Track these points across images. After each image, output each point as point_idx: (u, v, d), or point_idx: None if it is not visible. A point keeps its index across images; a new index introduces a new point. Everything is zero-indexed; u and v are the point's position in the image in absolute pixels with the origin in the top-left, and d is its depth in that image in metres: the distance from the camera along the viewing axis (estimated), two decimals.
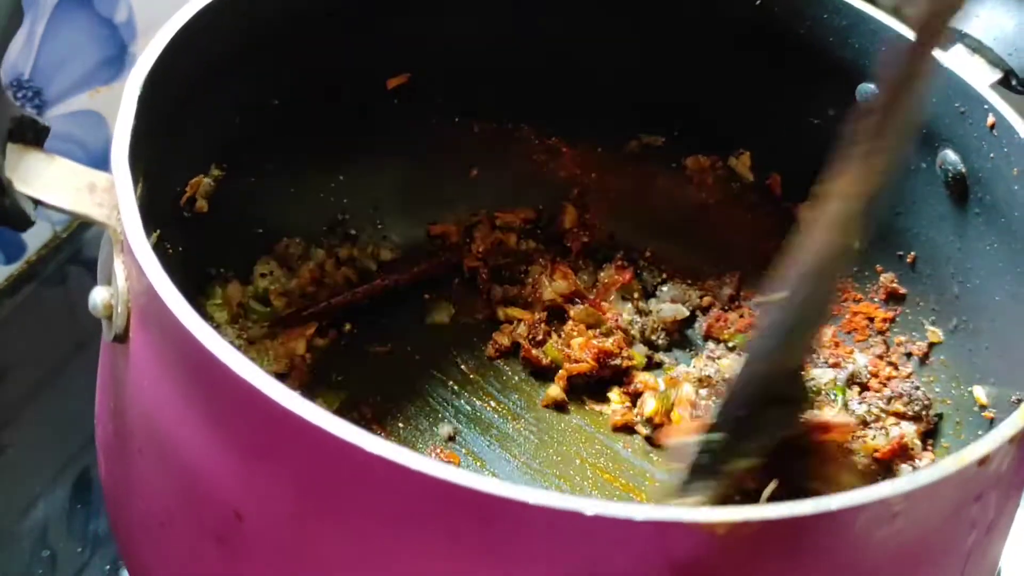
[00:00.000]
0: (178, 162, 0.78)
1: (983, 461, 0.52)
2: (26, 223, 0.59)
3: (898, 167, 0.60)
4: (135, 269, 0.57)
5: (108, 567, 0.79)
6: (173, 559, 0.62)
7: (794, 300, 0.61)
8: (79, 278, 1.00)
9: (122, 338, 0.60)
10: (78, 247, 1.01)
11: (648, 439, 0.88)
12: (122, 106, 0.63)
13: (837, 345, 0.91)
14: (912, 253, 0.88)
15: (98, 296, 0.60)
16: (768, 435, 0.63)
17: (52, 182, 0.61)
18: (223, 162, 0.83)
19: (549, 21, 0.92)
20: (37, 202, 0.60)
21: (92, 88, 0.99)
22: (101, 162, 0.65)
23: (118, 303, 0.59)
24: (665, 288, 0.99)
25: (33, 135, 0.61)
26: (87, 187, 0.61)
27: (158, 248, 0.75)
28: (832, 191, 0.59)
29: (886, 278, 0.90)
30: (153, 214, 0.73)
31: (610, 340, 0.90)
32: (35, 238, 0.99)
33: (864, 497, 0.50)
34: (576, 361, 0.89)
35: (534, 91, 0.96)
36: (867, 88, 0.85)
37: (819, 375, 0.85)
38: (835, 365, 0.87)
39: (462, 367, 0.92)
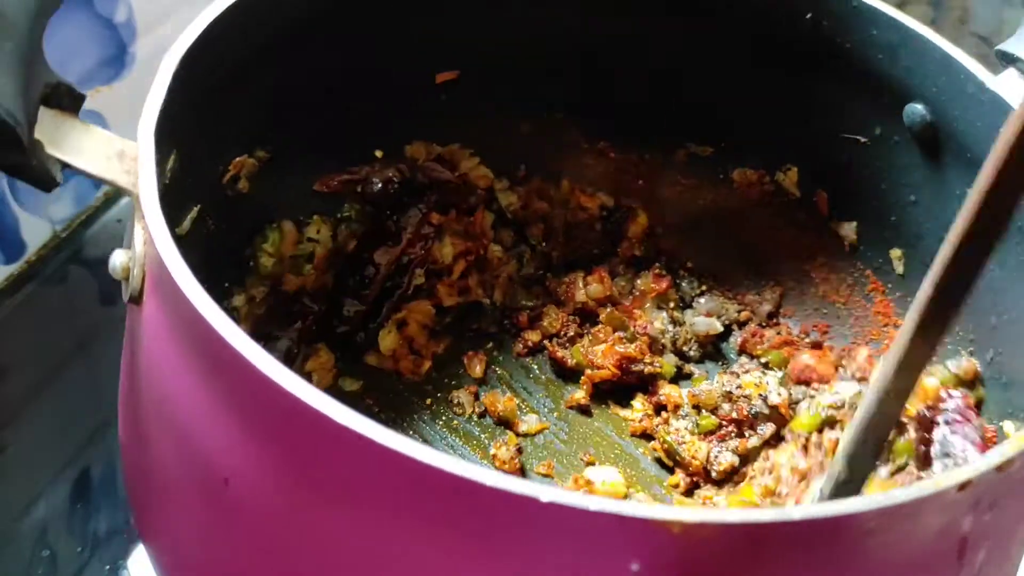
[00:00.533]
0: (220, 141, 0.81)
1: (963, 486, 0.50)
2: (51, 183, 0.62)
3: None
4: (149, 236, 0.59)
5: (108, 567, 0.80)
6: (172, 516, 0.64)
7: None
8: (79, 278, 0.99)
9: (137, 299, 0.63)
10: (78, 247, 1.00)
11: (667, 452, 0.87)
12: (157, 78, 0.65)
13: (871, 363, 0.89)
14: None
15: (117, 258, 0.63)
16: None
17: (83, 147, 0.63)
18: (268, 145, 0.86)
19: (604, 24, 0.93)
20: (65, 165, 0.63)
21: (92, 88, 0.99)
22: None
23: (134, 266, 0.62)
24: (703, 300, 0.98)
25: (69, 101, 0.64)
26: (116, 154, 0.64)
27: (199, 222, 0.79)
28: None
29: None
30: (192, 188, 0.77)
31: (633, 346, 0.90)
32: (35, 237, 0.98)
33: (833, 510, 0.49)
34: (598, 367, 0.89)
35: (583, 94, 0.96)
36: (915, 109, 0.83)
37: (845, 389, 0.83)
38: (862, 379, 0.85)
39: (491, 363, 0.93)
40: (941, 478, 0.50)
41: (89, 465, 0.86)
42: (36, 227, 0.98)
